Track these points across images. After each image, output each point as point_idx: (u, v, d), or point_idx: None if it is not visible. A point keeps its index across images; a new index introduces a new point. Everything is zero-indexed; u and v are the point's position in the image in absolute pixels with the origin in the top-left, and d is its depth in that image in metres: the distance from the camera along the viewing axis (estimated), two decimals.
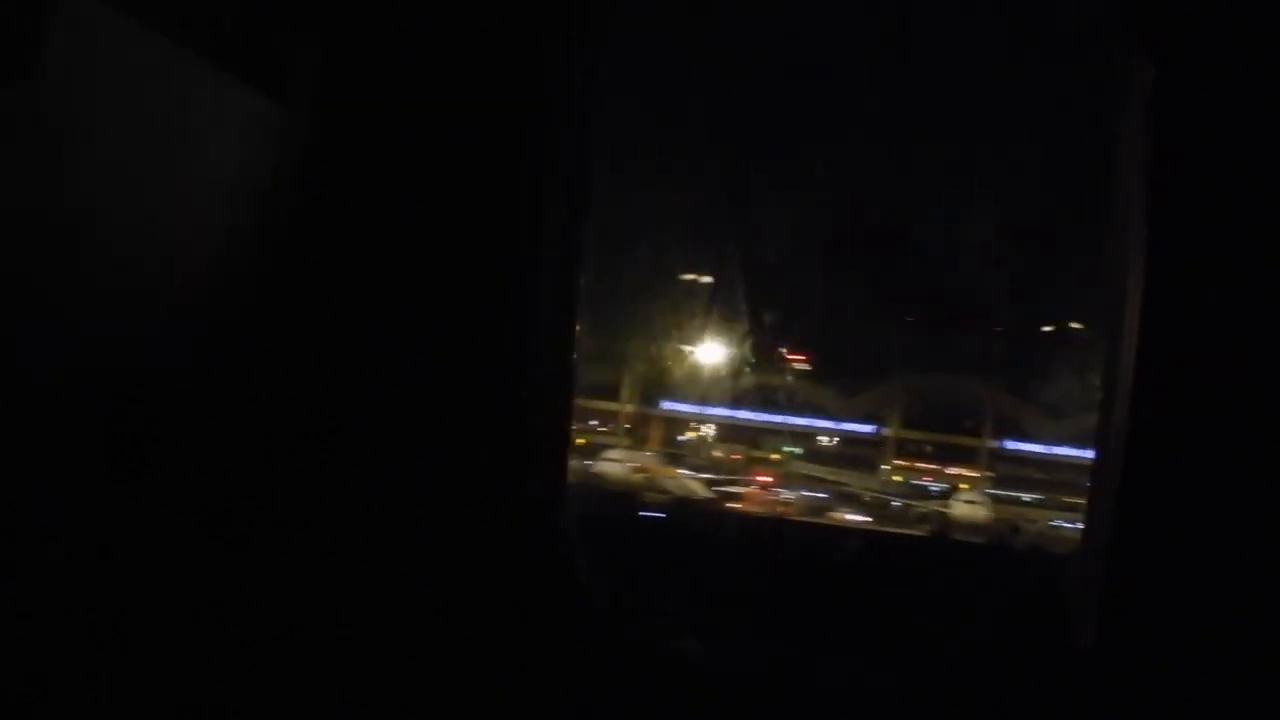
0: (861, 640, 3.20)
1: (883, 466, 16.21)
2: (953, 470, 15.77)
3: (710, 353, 13.00)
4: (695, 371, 13.32)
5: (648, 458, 15.03)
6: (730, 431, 16.14)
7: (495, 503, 2.71)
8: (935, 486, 15.55)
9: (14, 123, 1.86)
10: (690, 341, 12.64)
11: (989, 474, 15.46)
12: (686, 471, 14.90)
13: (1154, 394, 2.67)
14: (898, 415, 16.08)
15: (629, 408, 15.54)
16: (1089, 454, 3.10)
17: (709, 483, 14.38)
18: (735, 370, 13.65)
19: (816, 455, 16.33)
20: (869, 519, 14.27)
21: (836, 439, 16.49)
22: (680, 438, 16.18)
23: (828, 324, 13.89)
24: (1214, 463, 2.62)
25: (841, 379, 15.79)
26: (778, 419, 15.92)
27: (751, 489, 14.79)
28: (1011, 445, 15.52)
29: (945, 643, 3.17)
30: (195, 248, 2.36)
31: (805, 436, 16.40)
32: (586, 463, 13.55)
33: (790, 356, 14.66)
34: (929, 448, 16.14)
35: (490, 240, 2.68)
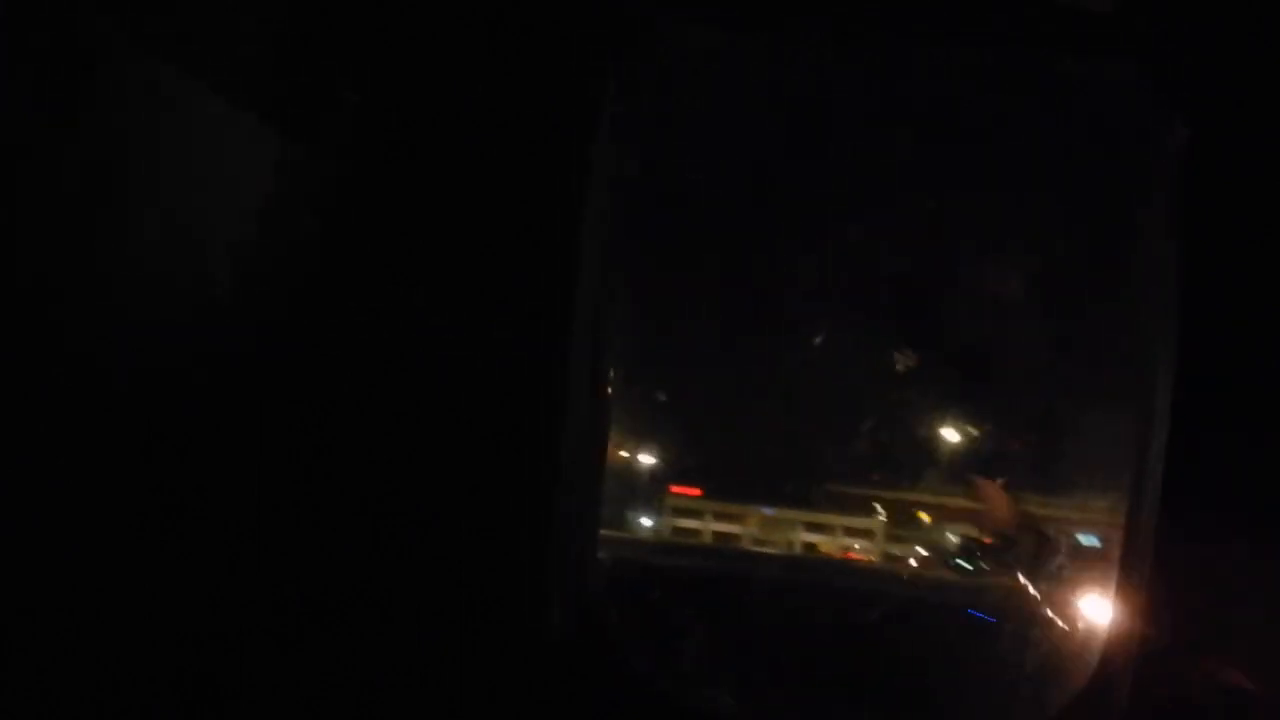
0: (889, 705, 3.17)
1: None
2: None
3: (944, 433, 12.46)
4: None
5: None
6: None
7: (523, 546, 2.80)
8: None
9: (58, 169, 1.96)
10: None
11: None
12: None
13: (1186, 457, 2.60)
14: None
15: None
16: None
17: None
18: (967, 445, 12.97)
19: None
20: None
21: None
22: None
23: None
24: (1247, 532, 2.53)
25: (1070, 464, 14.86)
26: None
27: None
28: None
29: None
30: (233, 285, 2.51)
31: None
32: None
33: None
34: None
35: (526, 282, 2.79)
